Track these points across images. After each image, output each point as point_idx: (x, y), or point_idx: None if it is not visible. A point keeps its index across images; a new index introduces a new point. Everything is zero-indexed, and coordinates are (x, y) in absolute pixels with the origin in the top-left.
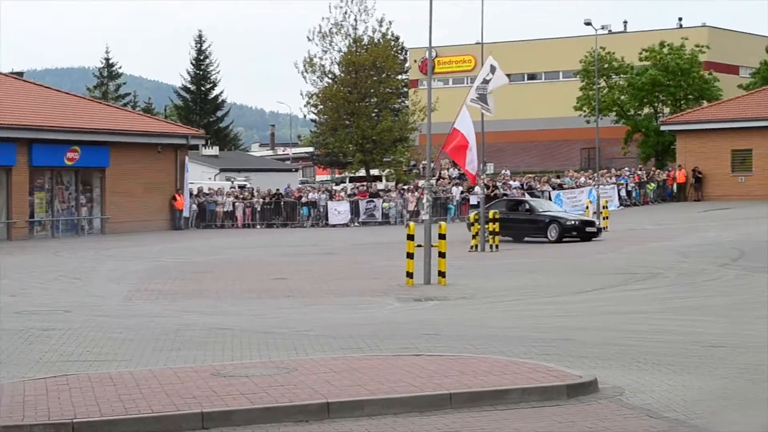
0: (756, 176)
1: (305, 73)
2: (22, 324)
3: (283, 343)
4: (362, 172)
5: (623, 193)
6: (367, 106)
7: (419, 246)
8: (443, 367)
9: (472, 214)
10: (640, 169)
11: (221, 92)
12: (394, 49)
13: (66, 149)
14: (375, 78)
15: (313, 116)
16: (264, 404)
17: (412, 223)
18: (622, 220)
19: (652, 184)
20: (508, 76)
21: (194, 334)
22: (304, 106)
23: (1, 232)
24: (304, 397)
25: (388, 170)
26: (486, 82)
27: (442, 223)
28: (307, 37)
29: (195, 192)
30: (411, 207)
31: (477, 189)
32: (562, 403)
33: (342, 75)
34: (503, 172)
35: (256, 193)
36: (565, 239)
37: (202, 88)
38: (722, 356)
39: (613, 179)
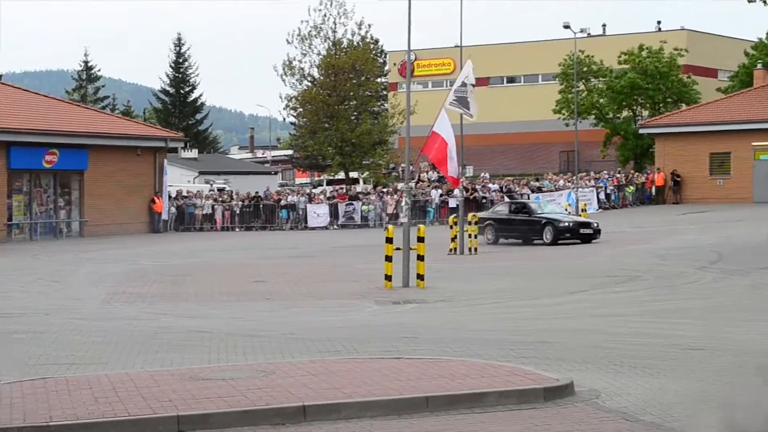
0: (734, 179)
1: (284, 76)
2: (0, 326)
3: (261, 346)
4: (342, 175)
5: (602, 196)
6: (346, 109)
7: (398, 249)
8: (421, 370)
9: (451, 217)
10: (619, 172)
11: (200, 95)
12: (374, 52)
13: (44, 152)
14: (354, 81)
15: (293, 119)
16: (241, 407)
17: (391, 226)
18: (601, 223)
19: (631, 187)
20: (488, 79)
21: (172, 337)
22: (284, 108)
23: None
24: (281, 400)
25: (367, 173)
26: (465, 85)
27: (421, 226)
28: (287, 40)
29: (174, 195)
30: (390, 210)
31: (456, 192)
32: (539, 406)
33: (321, 78)
34: (482, 175)
35: (235, 196)
36: (560, 241)
37: (182, 91)
38: (700, 359)
39: (592, 182)
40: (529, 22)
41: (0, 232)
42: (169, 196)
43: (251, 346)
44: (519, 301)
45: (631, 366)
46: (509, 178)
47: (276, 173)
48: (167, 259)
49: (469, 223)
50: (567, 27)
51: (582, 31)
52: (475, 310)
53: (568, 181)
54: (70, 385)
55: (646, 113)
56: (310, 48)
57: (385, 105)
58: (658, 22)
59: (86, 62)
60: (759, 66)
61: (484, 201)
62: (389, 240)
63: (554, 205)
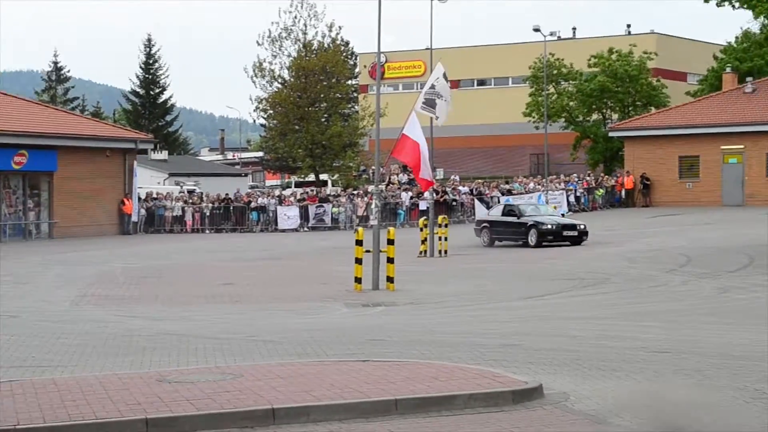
0: (703, 183)
1: (255, 78)
2: None
3: (229, 348)
4: (312, 177)
5: (572, 198)
6: (316, 111)
7: (368, 251)
8: (390, 372)
9: (421, 220)
10: (589, 175)
11: (170, 96)
12: (344, 54)
13: (13, 153)
14: (325, 83)
15: (263, 121)
16: (209, 410)
17: (360, 229)
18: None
19: (601, 190)
20: (458, 81)
21: (141, 340)
22: (254, 110)
23: None
24: (249, 403)
25: (337, 175)
26: (434, 87)
27: (391, 228)
28: (257, 42)
29: (144, 196)
30: (360, 212)
31: (426, 195)
32: (508, 409)
33: (292, 80)
34: (453, 177)
35: (205, 198)
36: (545, 244)
37: (151, 92)
38: (668, 362)
39: (562, 185)
40: (499, 25)
41: None
42: (139, 198)
43: (220, 348)
44: (488, 303)
45: (599, 369)
46: (479, 180)
47: (246, 175)
48: (137, 261)
49: (439, 226)
50: (537, 30)
51: (552, 34)
52: (444, 313)
53: (539, 184)
54: (37, 388)
55: (615, 116)
56: (280, 50)
57: (356, 107)
58: (628, 26)
59: (56, 63)
60: (728, 70)
61: (454, 204)
62: (359, 242)
63: (549, 207)
